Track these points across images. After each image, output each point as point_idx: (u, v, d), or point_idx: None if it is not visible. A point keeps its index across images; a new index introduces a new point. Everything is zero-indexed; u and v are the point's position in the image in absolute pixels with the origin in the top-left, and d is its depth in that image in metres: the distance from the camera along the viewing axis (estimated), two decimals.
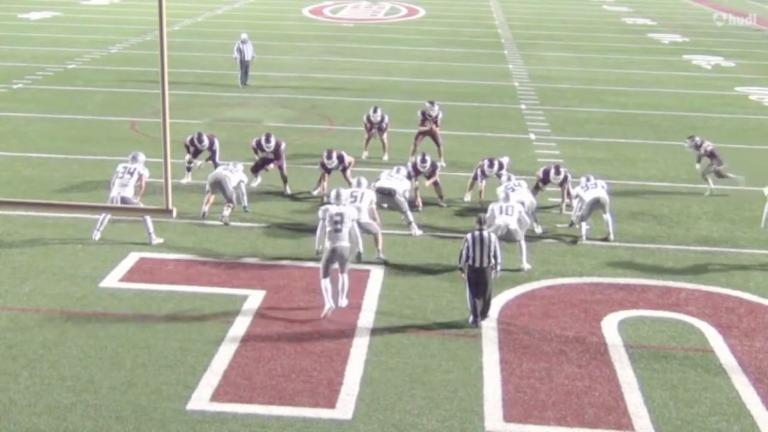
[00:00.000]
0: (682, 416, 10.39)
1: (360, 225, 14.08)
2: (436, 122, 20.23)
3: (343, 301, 12.80)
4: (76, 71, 31.00)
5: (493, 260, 12.32)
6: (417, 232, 15.86)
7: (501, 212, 14.54)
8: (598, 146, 22.69)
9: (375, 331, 12.27)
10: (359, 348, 11.75)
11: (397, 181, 16.08)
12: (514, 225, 14.37)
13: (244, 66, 28.53)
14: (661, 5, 57.44)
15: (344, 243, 12.72)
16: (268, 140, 17.65)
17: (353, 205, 14.17)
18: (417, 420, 10.12)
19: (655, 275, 14.45)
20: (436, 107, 20.20)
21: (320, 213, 13.82)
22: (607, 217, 15.88)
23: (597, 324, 12.63)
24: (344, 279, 12.79)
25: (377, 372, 11.15)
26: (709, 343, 12.20)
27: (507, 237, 14.23)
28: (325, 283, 12.56)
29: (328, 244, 12.75)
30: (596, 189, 15.85)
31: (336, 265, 12.72)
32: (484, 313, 12.53)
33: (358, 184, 15.12)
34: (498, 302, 13.07)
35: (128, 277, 13.89)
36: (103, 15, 46.04)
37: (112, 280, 13.74)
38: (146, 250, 14.91)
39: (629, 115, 26.43)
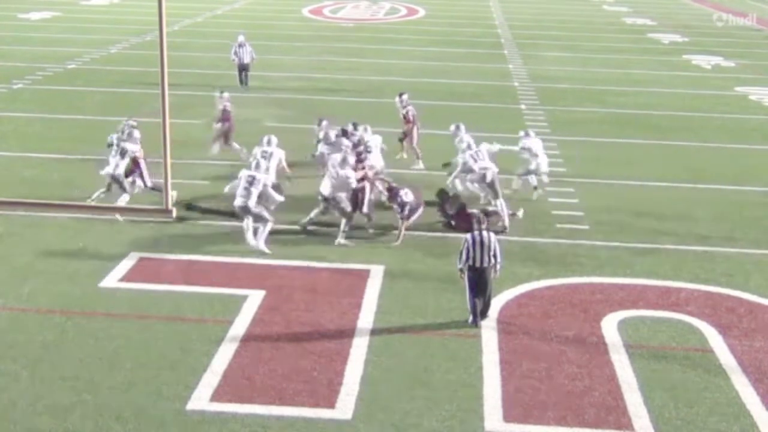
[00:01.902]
0: (682, 416, 10.39)
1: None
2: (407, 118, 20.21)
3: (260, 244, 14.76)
4: (76, 71, 31.01)
5: (493, 260, 12.32)
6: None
7: (475, 159, 16.14)
8: (597, 146, 22.70)
9: (375, 331, 12.27)
10: (359, 348, 11.76)
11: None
12: (495, 168, 15.63)
13: (243, 68, 28.48)
14: (661, 5, 57.44)
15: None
16: (269, 143, 17.71)
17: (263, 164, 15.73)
18: (417, 420, 10.12)
19: (655, 275, 14.45)
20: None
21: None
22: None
23: (597, 324, 12.63)
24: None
25: (377, 372, 11.15)
26: (708, 343, 12.20)
27: (491, 184, 15.55)
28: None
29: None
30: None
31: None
32: (484, 313, 12.53)
33: (268, 143, 16.56)
34: (498, 302, 13.07)
35: (128, 276, 13.88)
36: (103, 15, 46.06)
37: (112, 279, 13.74)
38: (146, 250, 14.90)
39: (629, 115, 26.44)
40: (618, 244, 15.78)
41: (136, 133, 16.52)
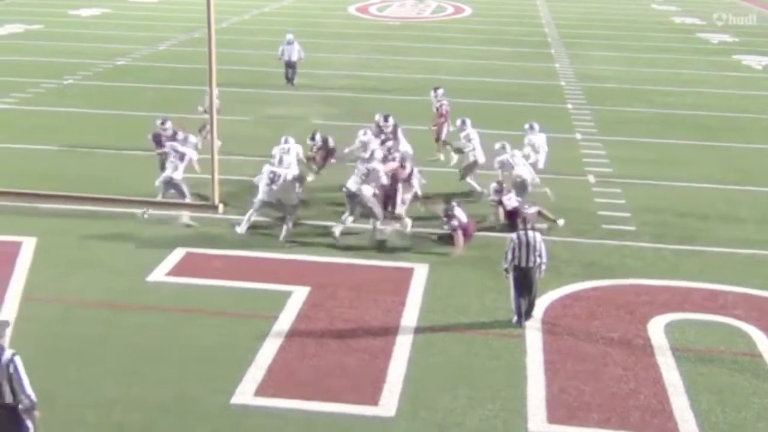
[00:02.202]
0: (729, 420, 10.25)
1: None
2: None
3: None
4: (125, 68, 31.39)
5: (538, 260, 12.26)
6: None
7: (512, 165, 16.61)
8: (644, 146, 22.47)
9: (418, 329, 12.27)
10: (403, 346, 11.76)
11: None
12: (529, 176, 16.40)
13: (291, 66, 28.58)
14: (710, 5, 56.63)
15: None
16: (312, 138, 17.86)
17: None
18: (459, 419, 10.11)
19: (702, 277, 14.27)
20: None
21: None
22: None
23: (643, 326, 12.51)
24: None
25: (420, 370, 11.16)
26: (757, 348, 12.02)
27: (523, 188, 16.07)
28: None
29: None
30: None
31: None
32: (528, 314, 12.47)
33: (286, 141, 16.65)
34: (542, 303, 12.99)
35: (175, 271, 14.03)
36: (152, 12, 46.57)
37: (159, 274, 13.89)
38: (193, 245, 15.04)
39: (676, 116, 26.15)
40: (664, 246, 15.62)
41: (192, 138, 16.40)
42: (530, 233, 12.29)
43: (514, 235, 12.34)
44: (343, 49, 36.46)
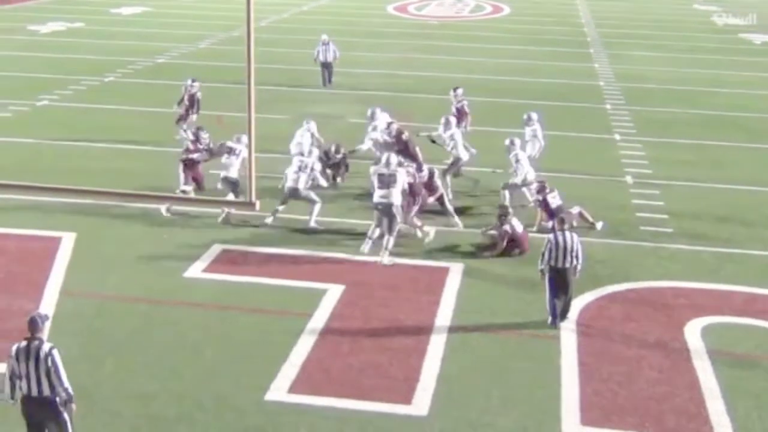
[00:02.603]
0: (766, 426, 10.12)
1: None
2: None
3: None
4: (165, 66, 31.68)
5: (575, 261, 12.19)
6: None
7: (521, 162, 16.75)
8: (684, 148, 22.25)
9: (452, 329, 12.26)
10: (436, 345, 11.76)
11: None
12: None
13: (327, 67, 28.56)
14: (753, 6, 55.87)
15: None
16: (337, 151, 18.11)
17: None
18: (493, 419, 10.08)
19: (741, 281, 14.10)
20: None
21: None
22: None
23: (679, 329, 12.39)
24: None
25: (454, 369, 11.14)
26: None
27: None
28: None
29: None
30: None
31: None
32: (563, 315, 12.41)
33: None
34: (578, 304, 12.92)
35: (212, 267, 14.14)
36: (192, 11, 46.94)
37: (195, 270, 14.01)
38: (229, 242, 15.15)
39: (718, 117, 25.85)
40: (703, 248, 15.45)
41: (245, 139, 16.43)
42: (567, 234, 12.22)
43: (551, 236, 12.29)
44: (381, 48, 36.49)
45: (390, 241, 14.59)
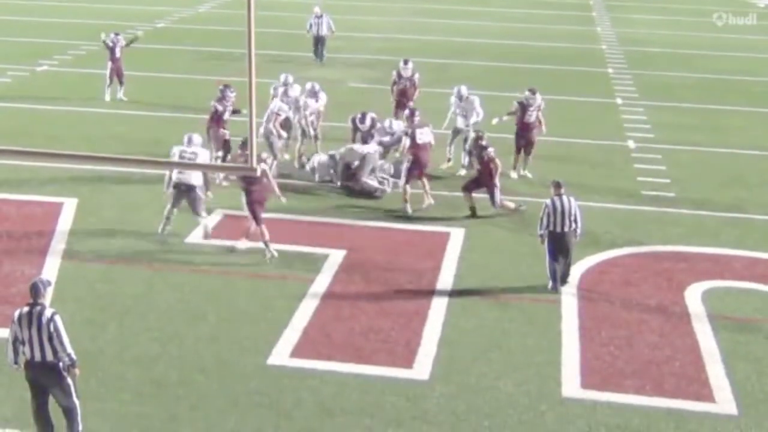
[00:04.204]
0: (766, 389, 10.17)
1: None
2: (413, 83, 19.48)
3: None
4: (165, 30, 31.52)
5: (574, 225, 12.19)
6: None
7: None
8: (687, 112, 22.17)
9: (453, 294, 12.30)
10: (437, 310, 11.80)
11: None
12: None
13: (319, 41, 27.23)
14: None
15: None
16: (363, 120, 17.62)
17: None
18: (493, 383, 10.14)
19: (742, 246, 14.11)
20: (410, 66, 19.30)
21: None
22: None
23: (680, 293, 12.42)
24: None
25: (455, 334, 11.19)
26: None
27: None
28: None
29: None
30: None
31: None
32: (564, 279, 12.44)
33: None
34: (578, 269, 12.94)
35: (213, 233, 14.13)
36: None
37: (197, 235, 14.02)
38: (231, 207, 15.13)
39: (721, 81, 25.73)
40: (705, 213, 15.46)
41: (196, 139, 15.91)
42: (564, 198, 12.22)
43: (548, 201, 12.28)
44: (381, 11, 36.23)
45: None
